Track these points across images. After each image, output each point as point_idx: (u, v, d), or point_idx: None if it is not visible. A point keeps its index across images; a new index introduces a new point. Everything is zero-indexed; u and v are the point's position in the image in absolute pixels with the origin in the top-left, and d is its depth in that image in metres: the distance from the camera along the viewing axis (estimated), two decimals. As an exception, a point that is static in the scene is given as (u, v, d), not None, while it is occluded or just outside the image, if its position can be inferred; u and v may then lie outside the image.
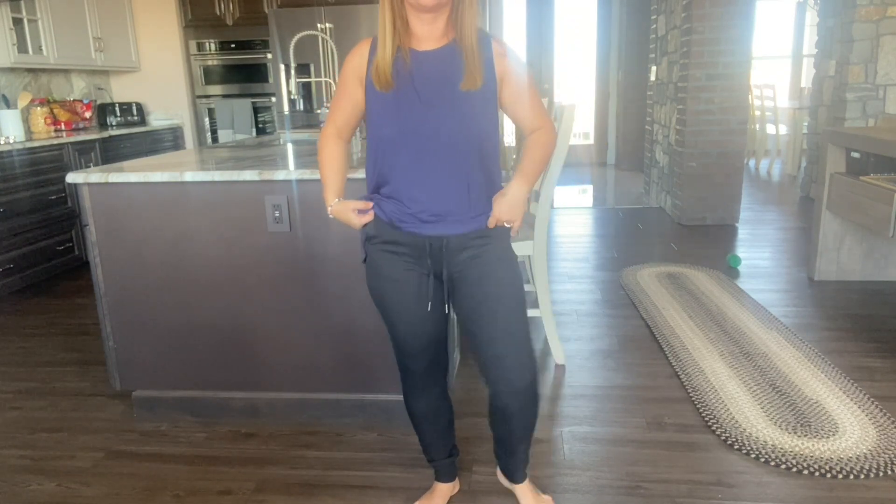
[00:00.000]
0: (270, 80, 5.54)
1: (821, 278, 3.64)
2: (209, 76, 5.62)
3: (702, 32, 4.74)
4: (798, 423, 2.16)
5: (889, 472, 1.90)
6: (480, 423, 2.24)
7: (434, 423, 1.72)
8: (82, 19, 4.79)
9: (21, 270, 3.69)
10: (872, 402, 2.28)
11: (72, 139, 4.12)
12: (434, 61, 1.39)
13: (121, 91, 5.65)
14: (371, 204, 1.50)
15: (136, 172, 2.09)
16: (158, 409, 2.36)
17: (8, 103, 4.29)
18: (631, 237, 4.77)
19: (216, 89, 5.66)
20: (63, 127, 4.73)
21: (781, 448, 2.02)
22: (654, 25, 5.97)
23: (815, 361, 2.60)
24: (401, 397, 2.23)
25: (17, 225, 3.67)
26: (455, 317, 2.06)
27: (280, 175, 2.04)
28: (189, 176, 2.07)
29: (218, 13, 5.44)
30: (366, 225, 1.52)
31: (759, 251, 4.28)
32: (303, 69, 5.21)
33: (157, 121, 5.61)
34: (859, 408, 2.24)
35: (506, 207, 1.47)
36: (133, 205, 2.14)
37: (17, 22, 4.20)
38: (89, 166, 4.24)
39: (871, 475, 1.89)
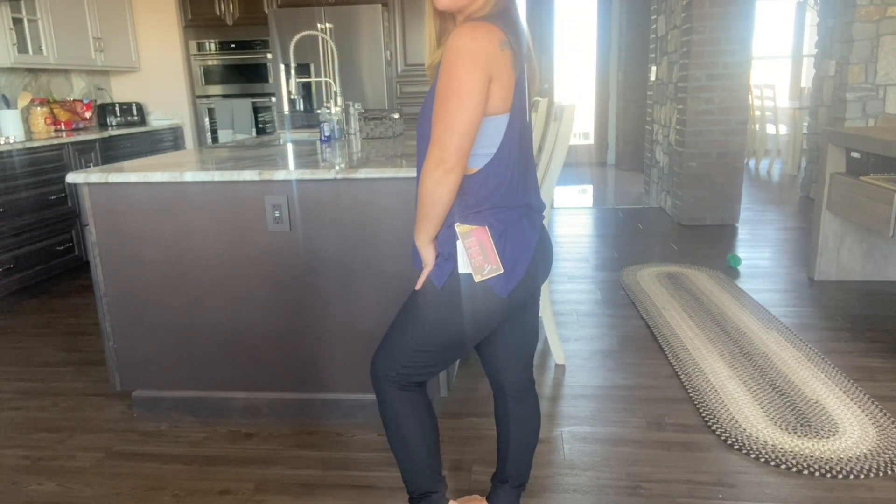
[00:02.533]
0: (270, 80, 5.54)
1: (821, 278, 3.64)
2: (209, 76, 5.62)
3: (702, 32, 4.74)
4: (798, 423, 2.16)
5: (889, 472, 1.90)
6: (480, 423, 2.24)
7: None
8: (82, 19, 4.78)
9: (21, 270, 3.69)
10: (872, 402, 2.28)
11: (72, 139, 4.11)
12: None
13: (121, 91, 5.65)
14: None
15: (136, 172, 2.09)
16: (158, 409, 2.36)
17: (8, 103, 4.29)
18: (631, 237, 4.77)
19: (216, 89, 5.66)
20: (63, 127, 4.73)
21: (781, 448, 2.02)
22: (654, 25, 5.97)
23: (815, 361, 2.60)
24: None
25: (17, 225, 3.67)
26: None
27: (280, 175, 2.04)
28: (189, 176, 2.07)
29: (218, 13, 5.44)
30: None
31: (759, 251, 4.28)
32: (303, 69, 5.22)
33: (157, 121, 5.61)
34: (859, 408, 2.24)
35: None
36: (133, 205, 2.14)
37: (17, 22, 4.20)
38: (89, 166, 4.24)
39: (871, 475, 1.89)
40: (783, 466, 1.94)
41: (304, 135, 4.04)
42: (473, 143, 1.24)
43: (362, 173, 2.02)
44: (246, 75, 5.58)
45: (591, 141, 9.01)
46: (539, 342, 2.93)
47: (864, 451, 2.00)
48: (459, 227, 1.30)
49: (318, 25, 5.10)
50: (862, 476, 1.88)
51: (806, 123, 6.50)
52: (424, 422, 1.50)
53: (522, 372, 1.56)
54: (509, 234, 1.31)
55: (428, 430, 1.51)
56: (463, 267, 1.31)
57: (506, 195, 1.30)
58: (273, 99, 5.57)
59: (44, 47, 4.41)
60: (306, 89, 5.35)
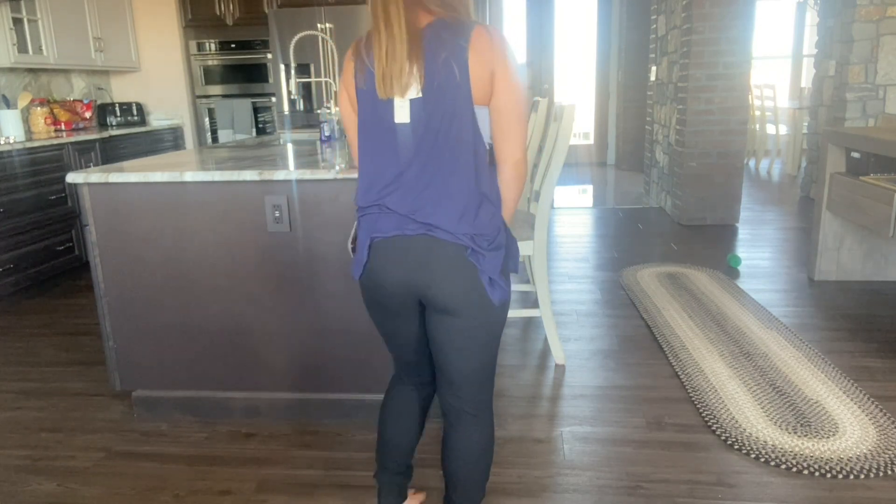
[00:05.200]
0: (270, 80, 5.54)
1: (821, 278, 3.64)
2: (209, 76, 5.62)
3: (702, 32, 4.74)
4: (798, 423, 2.16)
5: (889, 472, 1.90)
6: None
7: None
8: (82, 19, 4.78)
9: (21, 270, 3.69)
10: (872, 402, 2.28)
11: (72, 139, 4.11)
12: None
13: (121, 91, 5.65)
14: None
15: (136, 172, 2.09)
16: (158, 409, 2.35)
17: (8, 103, 4.29)
18: (631, 237, 4.77)
19: (216, 89, 5.65)
20: (63, 127, 4.73)
21: (781, 448, 2.02)
22: (654, 25, 5.97)
23: (815, 361, 2.60)
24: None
25: (17, 225, 3.67)
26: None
27: (280, 175, 2.04)
28: (189, 176, 2.07)
29: (218, 13, 5.43)
30: None
31: (759, 251, 4.28)
32: (303, 69, 5.22)
33: (157, 121, 5.61)
34: (859, 408, 2.24)
35: None
36: (133, 205, 2.14)
37: (17, 22, 4.20)
38: (89, 166, 4.24)
39: (871, 475, 1.89)
40: (783, 466, 1.94)
41: (304, 135, 4.03)
42: (354, 141, 1.44)
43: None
44: (246, 75, 5.58)
45: (591, 141, 9.01)
46: (539, 342, 2.93)
47: (864, 451, 2.00)
48: None
49: (318, 25, 5.09)
50: (862, 476, 1.88)
51: (806, 123, 6.50)
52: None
53: (447, 392, 1.47)
54: (360, 226, 1.42)
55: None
56: None
57: (363, 194, 1.40)
58: (273, 99, 5.57)
59: (44, 47, 4.40)
60: (306, 89, 5.35)
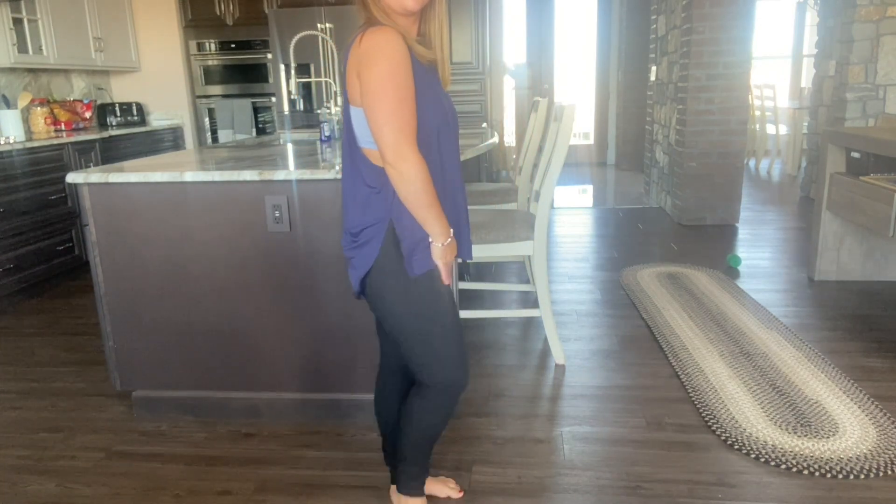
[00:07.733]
0: (270, 80, 5.54)
1: (821, 278, 3.64)
2: (209, 76, 5.62)
3: (702, 32, 4.74)
4: (798, 423, 2.16)
5: (889, 472, 1.90)
6: (480, 422, 2.24)
7: None
8: (82, 19, 4.78)
9: (21, 270, 3.69)
10: (872, 402, 2.28)
11: (72, 139, 4.11)
12: None
13: (121, 91, 5.65)
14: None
15: (136, 172, 2.10)
16: (158, 409, 2.36)
17: (8, 103, 4.29)
18: (631, 237, 4.77)
19: (216, 89, 5.65)
20: (63, 127, 4.73)
21: (781, 448, 2.02)
22: (654, 25, 5.97)
23: (815, 361, 2.60)
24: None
25: (17, 225, 3.67)
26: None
27: (280, 175, 2.04)
28: (189, 176, 2.07)
29: (218, 13, 5.44)
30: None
31: (759, 251, 4.28)
32: (303, 69, 5.22)
33: (157, 121, 5.61)
34: (859, 408, 2.24)
35: None
36: (133, 205, 2.14)
37: (17, 22, 4.20)
38: (89, 166, 4.24)
39: (871, 475, 1.89)
40: (783, 466, 1.94)
41: (304, 135, 4.03)
42: None
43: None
44: (246, 75, 5.58)
45: (591, 141, 9.01)
46: (539, 342, 2.93)
47: (864, 451, 2.00)
48: None
49: (318, 25, 5.09)
50: (862, 476, 1.88)
51: (806, 123, 6.50)
52: None
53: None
54: None
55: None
56: None
57: None
58: (273, 99, 5.57)
59: (44, 47, 4.40)
60: (306, 89, 5.35)
